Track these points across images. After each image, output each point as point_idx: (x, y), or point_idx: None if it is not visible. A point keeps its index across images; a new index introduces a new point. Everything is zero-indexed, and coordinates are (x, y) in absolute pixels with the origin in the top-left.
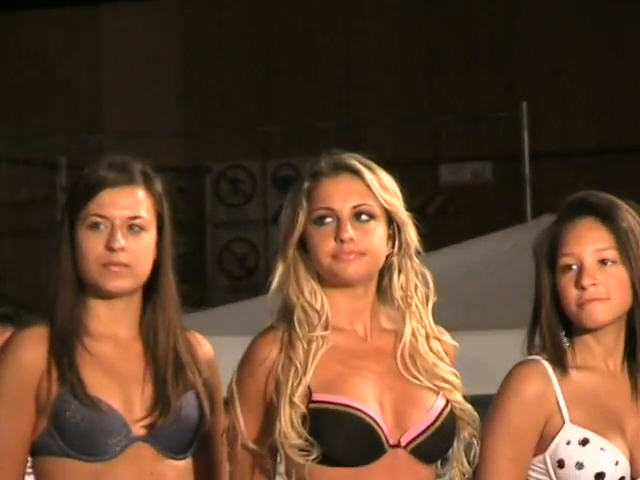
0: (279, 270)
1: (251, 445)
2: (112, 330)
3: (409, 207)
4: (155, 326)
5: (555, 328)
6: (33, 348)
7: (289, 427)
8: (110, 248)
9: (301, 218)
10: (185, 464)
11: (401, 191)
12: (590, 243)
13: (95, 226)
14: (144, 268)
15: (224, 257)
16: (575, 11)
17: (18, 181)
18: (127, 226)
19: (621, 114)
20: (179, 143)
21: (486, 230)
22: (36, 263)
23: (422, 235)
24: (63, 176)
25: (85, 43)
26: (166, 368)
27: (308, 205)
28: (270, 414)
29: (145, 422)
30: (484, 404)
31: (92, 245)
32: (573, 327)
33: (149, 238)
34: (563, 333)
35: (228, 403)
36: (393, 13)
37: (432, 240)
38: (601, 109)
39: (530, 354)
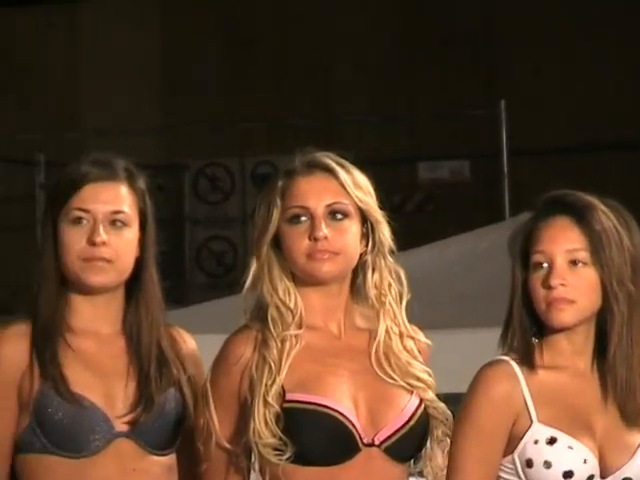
0: (253, 269)
1: (225, 444)
2: (94, 326)
3: (387, 205)
4: (138, 322)
5: (525, 326)
6: (14, 344)
7: (263, 426)
8: (92, 242)
9: (275, 216)
10: (169, 460)
11: (379, 189)
12: (562, 243)
13: (77, 221)
14: (126, 263)
15: (202, 255)
16: (555, 9)
17: None
18: (109, 221)
19: (598, 112)
20: (157, 140)
21: (464, 228)
22: (15, 260)
23: (400, 233)
24: (42, 173)
25: (63, 40)
26: (149, 364)
27: (282, 203)
28: (244, 413)
29: (127, 418)
30: (456, 402)
31: (74, 240)
32: (544, 326)
33: (131, 234)
34: (533, 331)
35: (202, 401)
36: (371, 10)
37: (410, 238)
38: (578, 107)
39: (502, 353)
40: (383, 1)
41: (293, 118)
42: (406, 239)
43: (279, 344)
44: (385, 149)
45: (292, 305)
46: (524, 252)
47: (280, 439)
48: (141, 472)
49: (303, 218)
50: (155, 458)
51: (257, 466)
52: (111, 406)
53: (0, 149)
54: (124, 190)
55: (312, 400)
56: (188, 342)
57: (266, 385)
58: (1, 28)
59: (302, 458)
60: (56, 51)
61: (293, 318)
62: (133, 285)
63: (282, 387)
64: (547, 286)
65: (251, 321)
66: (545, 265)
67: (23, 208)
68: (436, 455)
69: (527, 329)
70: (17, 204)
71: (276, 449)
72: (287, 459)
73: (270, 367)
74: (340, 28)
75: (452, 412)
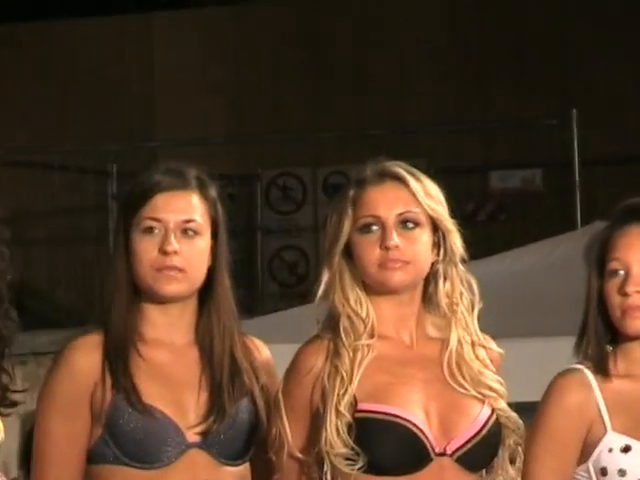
0: (325, 278)
1: (297, 454)
2: (167, 336)
3: (459, 214)
4: (211, 332)
5: (599, 333)
6: (87, 355)
7: (335, 436)
8: (164, 252)
9: (346, 226)
10: (242, 470)
11: (451, 198)
12: (639, 251)
13: (149, 230)
14: (198, 273)
15: (275, 264)
16: (627, 15)
17: (70, 189)
18: (181, 230)
19: None
20: (230, 150)
21: (536, 237)
22: (87, 270)
23: (472, 242)
24: (114, 184)
25: (138, 50)
26: (222, 374)
27: (353, 213)
28: (316, 423)
29: (200, 429)
30: (528, 411)
31: (146, 249)
32: (618, 334)
33: (203, 243)
34: (608, 339)
35: (274, 411)
36: (444, 20)
37: (482, 247)
38: None
39: (576, 362)
40: (458, 10)
41: (366, 128)
42: (478, 248)
43: (351, 354)
44: (457, 158)
45: (364, 315)
46: (600, 260)
47: (352, 449)
48: None
49: (374, 227)
50: (227, 469)
51: (329, 476)
52: (183, 417)
53: (73, 160)
54: (195, 199)
55: (384, 410)
56: (262, 351)
57: (338, 395)
58: (76, 38)
59: (374, 468)
60: (131, 61)
61: (365, 328)
62: (206, 294)
63: (354, 397)
64: (623, 293)
65: (323, 331)
66: (621, 272)
67: (96, 219)
68: (507, 465)
69: (602, 337)
70: (90, 215)
71: (348, 459)
72: (359, 469)
73: (342, 377)
74: (414, 37)
75: (524, 421)
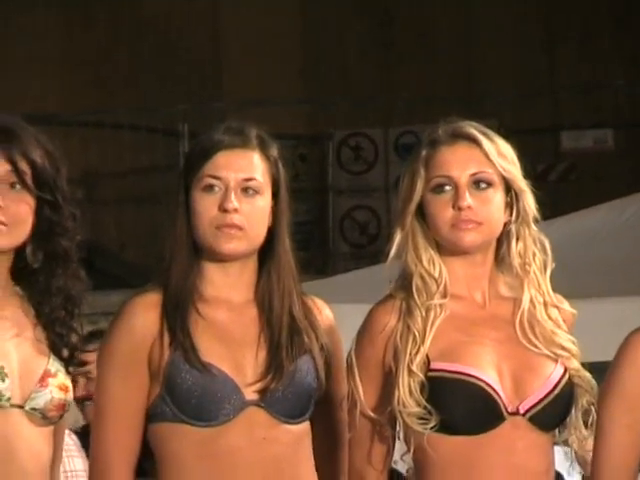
0: (397, 238)
1: (370, 413)
2: (226, 295)
3: (530, 174)
4: (270, 291)
5: None
6: (145, 313)
7: (407, 395)
8: (224, 209)
9: (419, 186)
10: (301, 429)
11: (522, 159)
12: None
13: (209, 188)
14: (258, 231)
15: (346, 225)
16: None
17: (140, 149)
18: (241, 188)
19: None
20: (301, 111)
21: (608, 197)
22: (157, 230)
23: (543, 202)
24: (185, 144)
25: (206, 11)
26: (280, 332)
27: (426, 173)
28: (389, 382)
29: (257, 386)
30: (601, 371)
31: (206, 207)
32: None
33: (263, 202)
34: None
35: (347, 371)
36: None
37: (553, 207)
38: None
39: None
40: None
41: (436, 88)
42: (549, 209)
43: (423, 313)
44: (528, 119)
45: (436, 274)
46: None
47: (425, 408)
48: (271, 441)
49: (447, 187)
50: (285, 427)
51: (402, 435)
52: (241, 375)
53: (143, 120)
54: (256, 157)
55: (457, 369)
56: (323, 311)
57: (410, 354)
58: (143, 2)
59: (447, 427)
60: (199, 23)
61: (437, 287)
62: (266, 254)
63: (426, 356)
64: None
65: (395, 290)
66: None
67: (166, 178)
68: (581, 424)
69: None
70: (160, 175)
71: (421, 418)
72: (432, 428)
73: (414, 336)
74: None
75: (597, 382)
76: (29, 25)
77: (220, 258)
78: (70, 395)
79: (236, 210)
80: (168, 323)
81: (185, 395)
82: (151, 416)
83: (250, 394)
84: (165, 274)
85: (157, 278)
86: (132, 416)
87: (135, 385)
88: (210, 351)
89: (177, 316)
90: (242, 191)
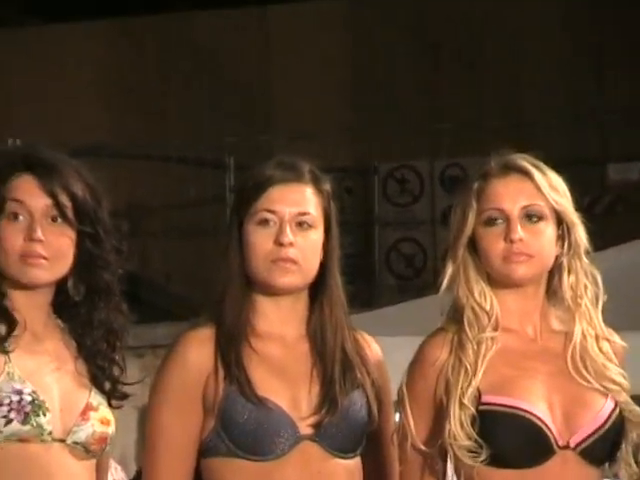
0: (449, 271)
1: (421, 446)
2: (279, 329)
3: (577, 206)
4: (322, 325)
5: None
6: (200, 348)
7: (459, 428)
8: (280, 243)
9: (471, 219)
10: (354, 463)
11: (569, 190)
12: None
13: (264, 222)
14: (312, 265)
15: (392, 257)
16: None
17: (187, 181)
18: (296, 222)
19: None
20: (347, 143)
21: None
22: (204, 263)
23: (590, 234)
24: (231, 176)
25: (256, 43)
26: (333, 367)
27: (478, 206)
28: (440, 415)
29: (312, 420)
30: None
31: (261, 241)
32: None
33: (317, 236)
34: None
35: (398, 404)
36: (560, 10)
37: (600, 239)
38: None
39: None
40: (576, 6)
41: (482, 120)
42: (595, 241)
43: (475, 346)
44: (574, 150)
45: (488, 307)
46: None
47: (475, 441)
48: (325, 475)
49: (499, 220)
50: (339, 461)
51: (452, 468)
52: (296, 409)
53: (191, 152)
54: (310, 192)
55: (508, 403)
56: (372, 347)
57: (462, 387)
58: (196, 31)
59: (497, 460)
60: (248, 54)
61: (489, 320)
62: (317, 288)
63: (478, 389)
64: None
65: (447, 323)
66: None
67: (213, 211)
68: (631, 459)
69: None
70: (208, 207)
71: (471, 451)
72: (482, 461)
73: (466, 369)
74: (530, 28)
75: None
76: (79, 55)
77: (273, 292)
78: (112, 428)
79: (291, 244)
80: (222, 358)
81: (240, 429)
82: (204, 451)
83: (305, 428)
84: (218, 308)
85: (209, 312)
86: (185, 451)
87: (189, 420)
88: (265, 385)
89: (231, 350)
90: (296, 225)
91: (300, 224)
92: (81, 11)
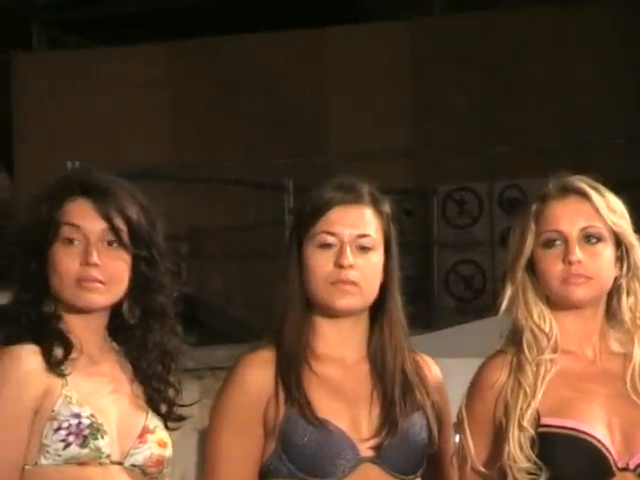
0: (508, 292)
1: (480, 468)
2: (339, 351)
3: (635, 228)
4: (382, 347)
5: None
6: (260, 371)
7: (518, 450)
8: (340, 265)
9: (529, 241)
10: None
11: (627, 212)
12: None
13: (324, 244)
14: (372, 288)
15: (451, 279)
16: None
17: (246, 204)
18: (356, 245)
19: None
20: (406, 165)
21: None
22: (264, 285)
23: None
24: (290, 198)
25: (311, 65)
26: (393, 389)
27: (536, 228)
28: (499, 437)
29: (372, 442)
30: None
31: (321, 263)
32: None
33: (377, 258)
34: None
35: (458, 426)
36: (616, 32)
37: None
38: None
39: None
40: (626, 20)
41: (540, 141)
42: None
43: (534, 368)
44: (632, 172)
45: (547, 329)
46: None
47: (535, 463)
48: None
49: (557, 242)
50: None
51: None
52: (357, 431)
53: (249, 174)
54: (369, 213)
55: (567, 425)
56: (432, 368)
57: (521, 409)
58: (250, 53)
59: None
60: (304, 76)
61: (548, 342)
62: (377, 310)
63: (537, 411)
64: None
65: (506, 345)
66: None
67: (272, 233)
68: None
69: None
70: (267, 229)
71: (530, 473)
72: None
73: (525, 391)
74: (586, 50)
75: None
76: (135, 77)
77: (333, 314)
78: (169, 451)
79: (352, 266)
80: (283, 380)
81: (301, 451)
82: (265, 473)
83: (365, 450)
84: (278, 331)
85: (269, 334)
86: (245, 473)
87: (249, 442)
88: (325, 407)
89: (291, 373)
90: (356, 247)
91: (360, 246)
92: (138, 34)
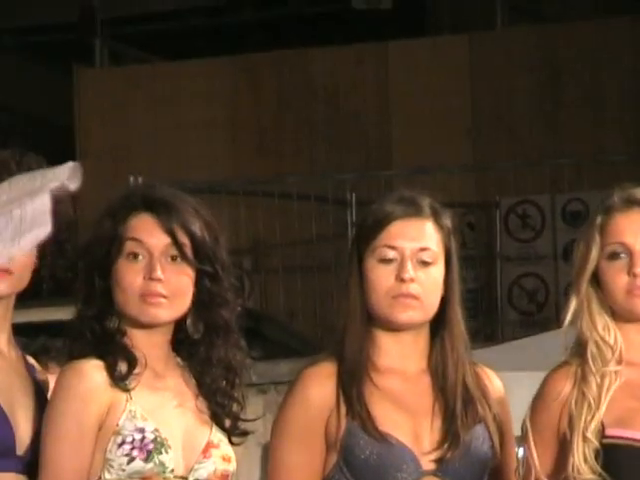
0: (572, 305)
1: (545, 479)
2: (400, 365)
3: None
4: (444, 360)
5: None
6: (321, 385)
7: (582, 462)
8: (401, 279)
9: (594, 253)
10: None
11: None
12: None
13: (385, 258)
14: (433, 301)
15: (514, 292)
16: None
17: (309, 218)
18: (417, 258)
19: None
20: (469, 178)
21: None
22: (327, 299)
23: None
24: (353, 212)
25: (374, 79)
26: (455, 402)
27: (601, 240)
28: (563, 449)
29: (434, 456)
30: None
31: (382, 277)
32: None
33: (438, 271)
34: None
35: (521, 438)
36: None
37: None
38: None
39: None
40: None
41: (603, 154)
42: None
43: (599, 380)
44: None
45: (612, 341)
46: None
47: (600, 475)
48: None
49: (622, 255)
50: None
51: None
52: (418, 444)
53: (312, 189)
54: (430, 227)
55: (632, 436)
56: (494, 381)
57: (585, 421)
58: (313, 68)
59: None
60: (367, 90)
61: (613, 354)
62: (438, 323)
63: (601, 423)
64: None
65: (571, 357)
66: None
67: (335, 247)
68: None
69: None
70: (329, 244)
71: None
72: None
73: (589, 403)
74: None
75: None
76: (197, 91)
77: (394, 328)
78: (233, 465)
79: (412, 280)
80: (344, 393)
81: (363, 465)
82: None
83: (427, 463)
84: (339, 344)
85: (330, 348)
86: None
87: (311, 456)
88: (387, 420)
89: (353, 386)
90: (417, 261)
91: (421, 260)
92: (200, 48)
